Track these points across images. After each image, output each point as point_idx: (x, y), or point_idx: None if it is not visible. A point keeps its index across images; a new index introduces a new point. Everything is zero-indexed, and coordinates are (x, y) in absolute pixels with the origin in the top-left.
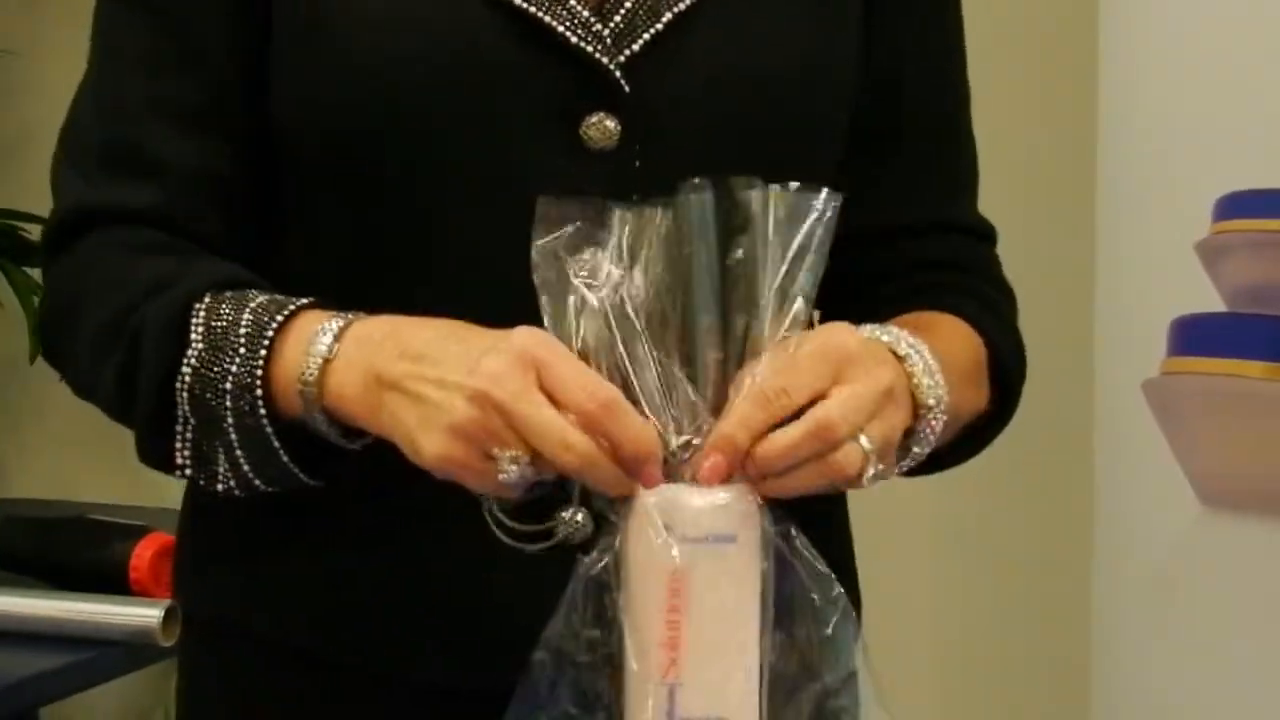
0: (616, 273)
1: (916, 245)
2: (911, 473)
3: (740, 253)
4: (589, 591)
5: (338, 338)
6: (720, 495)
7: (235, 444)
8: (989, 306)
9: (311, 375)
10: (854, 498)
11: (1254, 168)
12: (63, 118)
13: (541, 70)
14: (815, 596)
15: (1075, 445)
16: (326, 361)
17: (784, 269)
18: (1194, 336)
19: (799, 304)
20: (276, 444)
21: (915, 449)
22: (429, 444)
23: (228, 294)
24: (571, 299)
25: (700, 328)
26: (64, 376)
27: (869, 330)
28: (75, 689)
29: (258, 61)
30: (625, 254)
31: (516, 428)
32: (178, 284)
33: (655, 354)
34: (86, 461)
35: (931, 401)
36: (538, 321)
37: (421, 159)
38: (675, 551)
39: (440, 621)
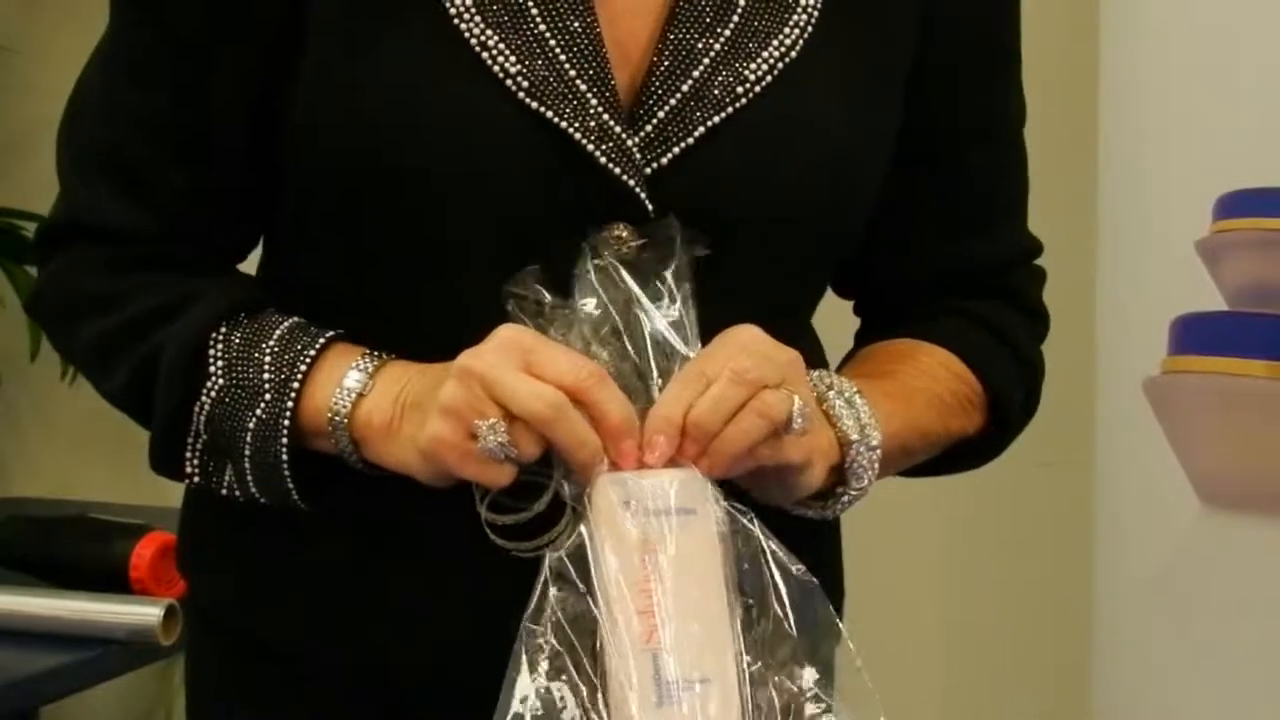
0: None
1: (959, 287)
2: (912, 473)
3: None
4: (562, 575)
5: (371, 376)
6: (673, 472)
7: (247, 471)
8: (1004, 341)
9: (344, 409)
10: (851, 511)
11: (1255, 166)
12: (54, 119)
13: (563, 178)
14: (776, 576)
15: (1076, 444)
16: (360, 396)
17: (675, 308)
18: (1195, 335)
19: (689, 313)
20: (289, 480)
21: (853, 486)
22: (422, 434)
23: (244, 322)
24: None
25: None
26: (49, 339)
27: None
28: (75, 688)
29: (272, 100)
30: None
31: (493, 394)
32: (191, 307)
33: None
34: (87, 460)
35: (855, 436)
36: None
37: (430, 244)
38: (643, 524)
39: (432, 630)
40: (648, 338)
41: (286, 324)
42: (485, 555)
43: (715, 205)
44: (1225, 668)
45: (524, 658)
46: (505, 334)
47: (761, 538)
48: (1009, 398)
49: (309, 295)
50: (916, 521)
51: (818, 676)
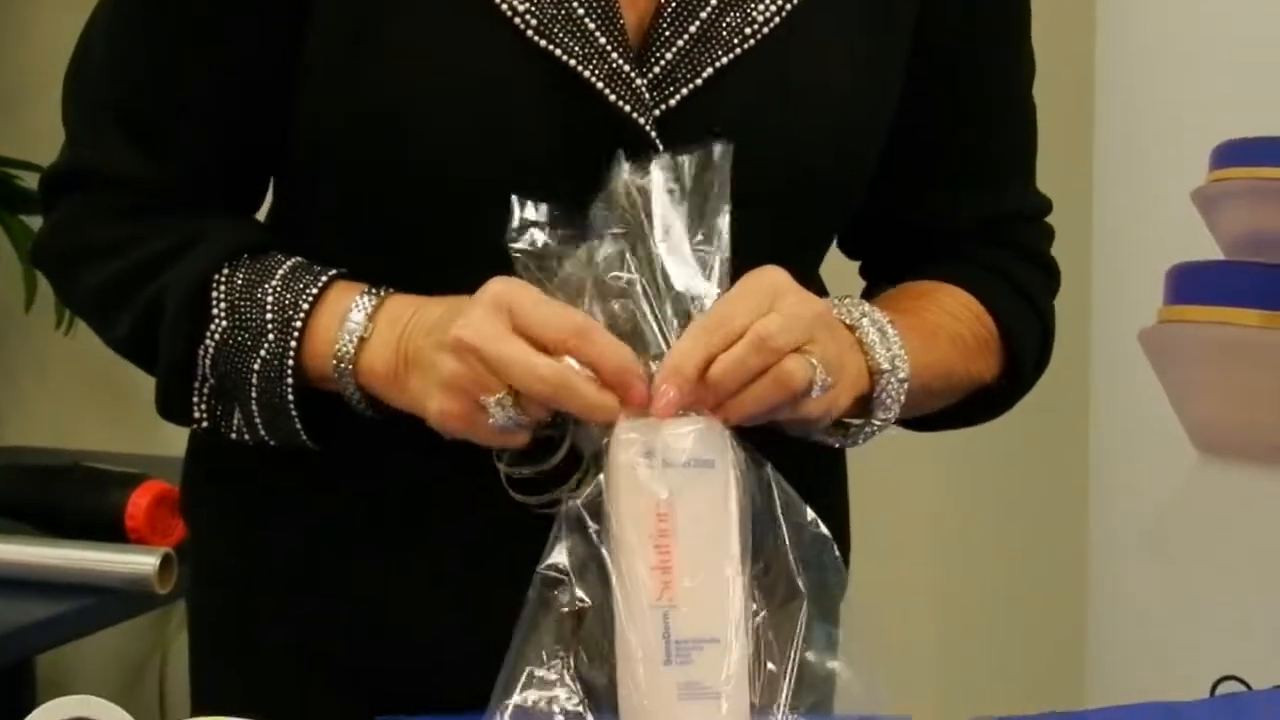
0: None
1: (972, 239)
2: (917, 429)
3: (664, 227)
4: (575, 528)
5: (370, 317)
6: (693, 424)
7: (255, 414)
8: (1019, 290)
9: (348, 354)
10: (854, 451)
11: (1251, 115)
12: (57, 68)
13: (573, 117)
14: (790, 527)
15: (1072, 394)
16: (362, 340)
17: (700, 231)
18: (1191, 285)
19: (718, 261)
20: (297, 421)
21: (878, 415)
22: (431, 404)
23: (246, 263)
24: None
25: (648, 315)
26: (54, 290)
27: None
28: (71, 636)
29: (281, 46)
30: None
31: (492, 369)
32: (195, 248)
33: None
34: (83, 409)
35: (886, 366)
36: None
37: (439, 184)
38: (660, 477)
39: (420, 609)
40: (665, 275)
41: (289, 263)
42: (493, 509)
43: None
44: (1220, 615)
45: (537, 607)
46: (492, 291)
47: (776, 488)
48: (1025, 346)
49: (319, 243)
50: (911, 468)
51: (824, 629)
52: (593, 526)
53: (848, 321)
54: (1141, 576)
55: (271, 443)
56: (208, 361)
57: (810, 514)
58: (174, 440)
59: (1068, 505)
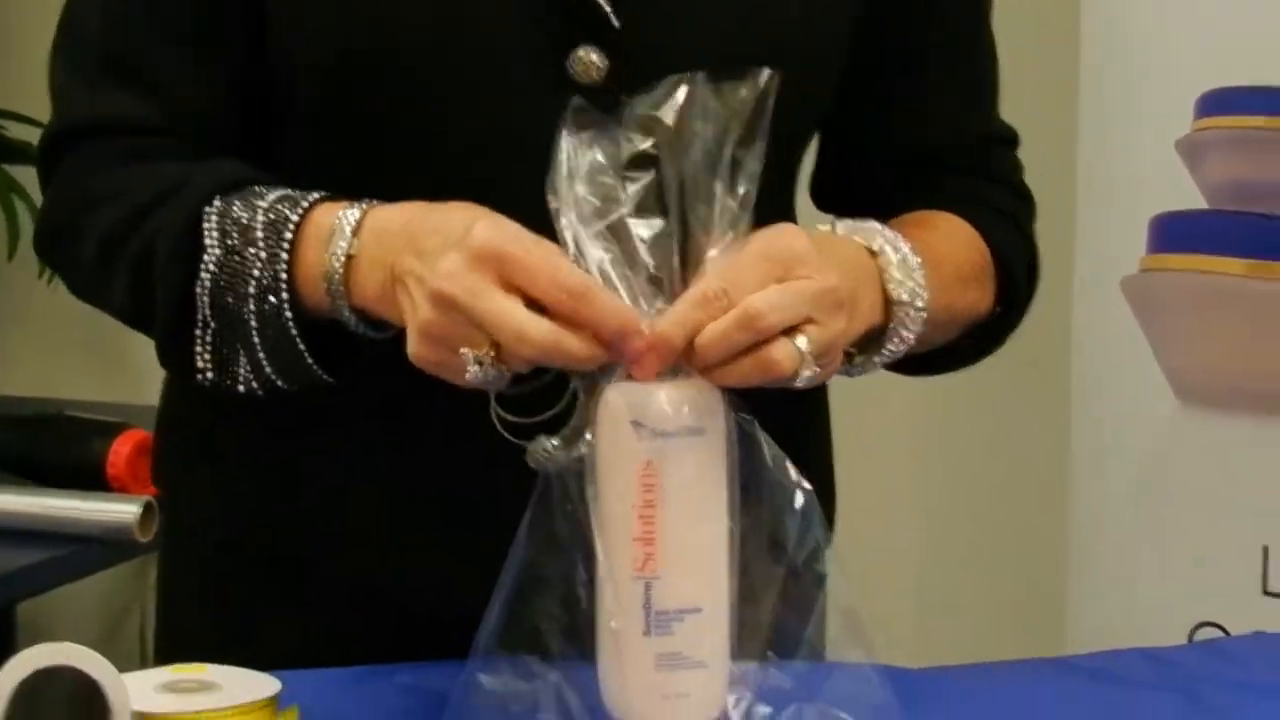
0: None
1: (941, 163)
2: (909, 372)
3: (687, 151)
4: (561, 486)
5: (355, 232)
6: (686, 388)
7: (258, 346)
8: (1002, 213)
9: (338, 274)
10: (835, 402)
11: (1236, 64)
12: (41, 19)
13: (532, 1)
14: (776, 485)
15: (1054, 342)
16: (350, 258)
17: (727, 160)
18: (1174, 233)
19: (744, 190)
20: (301, 345)
21: (889, 346)
22: (409, 344)
23: (236, 194)
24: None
25: (660, 233)
26: (64, 279)
27: (845, 226)
28: (52, 584)
29: None
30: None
31: (477, 325)
32: (185, 188)
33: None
34: (65, 359)
35: (905, 297)
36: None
37: (410, 86)
38: (648, 446)
39: (418, 540)
40: (684, 217)
41: (278, 191)
42: (479, 444)
43: (676, 27)
44: (1201, 562)
45: (521, 564)
46: (480, 239)
47: (765, 445)
48: (1018, 272)
49: (301, 165)
50: (894, 418)
51: (809, 582)
52: (575, 488)
53: (871, 247)
54: (1122, 524)
55: (281, 385)
56: (206, 299)
57: (794, 473)
58: (156, 390)
59: (1049, 453)
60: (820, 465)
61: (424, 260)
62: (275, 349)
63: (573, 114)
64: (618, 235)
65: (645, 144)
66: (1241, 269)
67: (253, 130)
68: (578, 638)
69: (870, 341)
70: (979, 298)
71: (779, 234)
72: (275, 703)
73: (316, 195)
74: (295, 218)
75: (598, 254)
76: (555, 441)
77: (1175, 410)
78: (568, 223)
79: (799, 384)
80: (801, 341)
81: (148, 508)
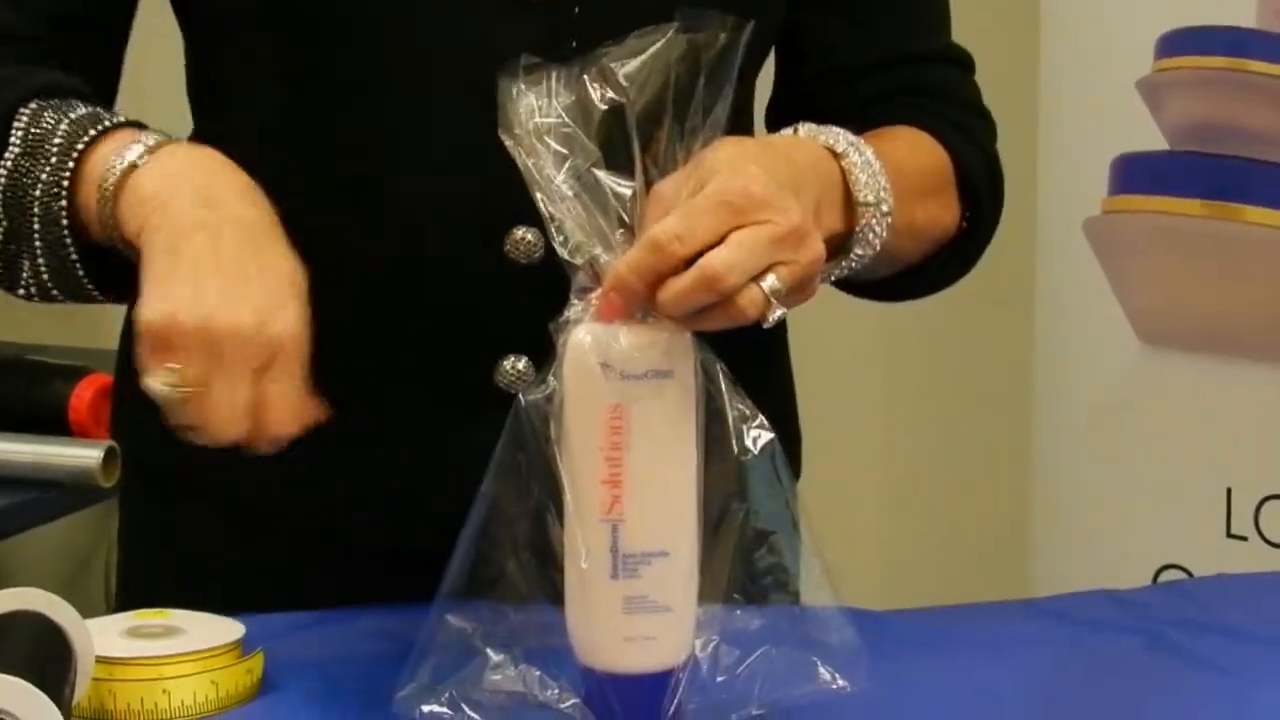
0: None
1: (894, 78)
2: (877, 297)
3: (654, 100)
4: (527, 429)
5: (150, 151)
6: (655, 331)
7: (39, 251)
8: (962, 129)
9: (110, 183)
10: (799, 344)
11: (1196, 4)
12: None
13: None
14: (740, 428)
15: (1016, 283)
16: (132, 166)
17: (697, 104)
18: (1135, 175)
19: (710, 135)
20: (75, 256)
21: (856, 250)
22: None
23: (53, 102)
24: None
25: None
26: None
27: (806, 130)
28: (15, 530)
29: None
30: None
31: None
32: (6, 90)
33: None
34: (24, 302)
35: (871, 199)
36: (481, 157)
37: (351, 14)
38: (615, 388)
39: (376, 481)
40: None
41: (95, 106)
42: (432, 401)
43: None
44: (1162, 504)
45: (488, 503)
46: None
47: (728, 387)
48: (978, 179)
49: (235, 100)
50: (856, 361)
51: (775, 532)
52: (546, 428)
53: (835, 148)
54: (1085, 466)
55: (60, 297)
56: (1, 197)
57: (759, 416)
58: (117, 335)
59: (1012, 394)
60: (784, 408)
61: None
62: (51, 256)
63: (524, 68)
64: (584, 183)
65: (610, 93)
66: (1202, 210)
67: (117, 67)
68: (545, 581)
69: (837, 250)
70: (940, 211)
71: (736, 175)
72: (239, 647)
73: (123, 119)
74: (93, 133)
75: (567, 200)
76: (523, 362)
77: (1138, 352)
78: (529, 165)
79: (769, 323)
80: (768, 283)
81: (110, 452)
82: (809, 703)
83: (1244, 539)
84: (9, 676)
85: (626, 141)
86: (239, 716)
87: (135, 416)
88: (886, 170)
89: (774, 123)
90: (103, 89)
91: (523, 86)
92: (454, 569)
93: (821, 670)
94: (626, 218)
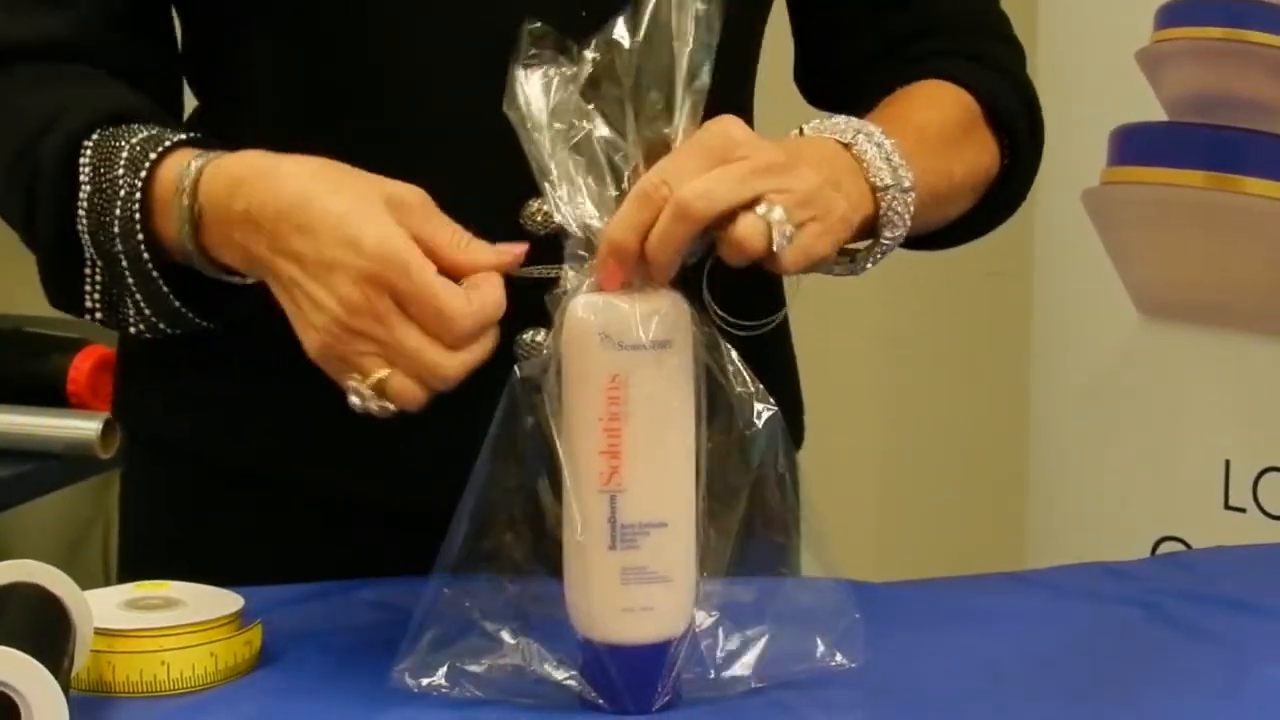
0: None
1: (906, 18)
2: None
3: (651, 66)
4: (523, 402)
5: (193, 194)
6: (654, 301)
7: (133, 287)
8: (982, 60)
9: (189, 242)
10: (797, 317)
11: None
12: None
13: None
14: (741, 399)
15: (1015, 254)
16: (197, 223)
17: (684, 62)
18: (1134, 146)
19: (697, 92)
20: (165, 288)
21: (886, 234)
22: (305, 342)
23: (111, 130)
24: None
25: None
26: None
27: (811, 128)
28: (13, 502)
29: None
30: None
31: (387, 356)
32: (63, 119)
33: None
34: (23, 274)
35: (889, 180)
36: (493, 128)
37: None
38: (614, 359)
39: (374, 441)
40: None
41: (152, 128)
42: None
43: None
44: (1160, 476)
45: (486, 475)
46: (369, 256)
47: (730, 358)
48: (1011, 112)
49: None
50: (856, 330)
51: (774, 504)
52: (545, 399)
53: (843, 140)
54: (1083, 438)
55: (167, 329)
56: (86, 237)
57: (760, 387)
58: None
59: (1011, 366)
60: (786, 379)
61: (308, 271)
62: (146, 290)
63: (528, 36)
64: (584, 151)
65: (607, 59)
66: (1201, 181)
67: (172, 60)
68: (543, 552)
69: (869, 233)
70: (978, 154)
71: (715, 122)
72: (238, 619)
73: (179, 138)
74: (151, 158)
75: (567, 169)
76: (542, 334)
77: (1136, 324)
78: (532, 139)
79: (789, 262)
80: (762, 209)
81: (109, 424)
82: (807, 676)
83: (1242, 511)
84: (8, 648)
85: (625, 111)
86: (237, 688)
87: (138, 390)
88: (904, 143)
89: (808, 91)
90: (165, 82)
91: (527, 62)
92: (452, 541)
93: (820, 644)
94: (626, 186)
